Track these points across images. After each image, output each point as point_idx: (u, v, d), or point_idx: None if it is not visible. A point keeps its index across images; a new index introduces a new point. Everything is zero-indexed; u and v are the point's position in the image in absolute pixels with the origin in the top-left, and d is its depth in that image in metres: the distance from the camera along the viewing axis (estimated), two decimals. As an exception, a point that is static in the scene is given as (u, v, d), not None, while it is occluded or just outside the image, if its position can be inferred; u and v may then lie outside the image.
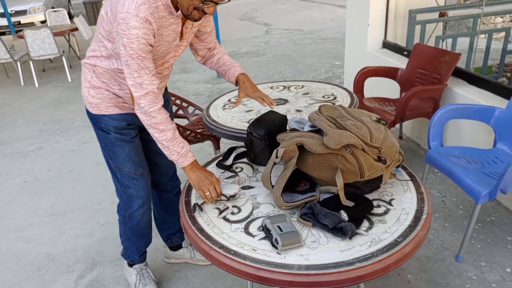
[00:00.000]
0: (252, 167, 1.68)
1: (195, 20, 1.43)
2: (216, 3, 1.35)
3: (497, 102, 2.30)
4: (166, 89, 1.82)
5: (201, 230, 1.32)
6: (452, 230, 2.11)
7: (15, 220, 2.53)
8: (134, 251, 1.87)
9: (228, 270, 1.21)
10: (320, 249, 1.21)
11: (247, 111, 2.27)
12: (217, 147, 2.46)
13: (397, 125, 3.23)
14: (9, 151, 3.55)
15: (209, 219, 1.37)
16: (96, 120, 1.63)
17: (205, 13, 1.38)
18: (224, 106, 2.39)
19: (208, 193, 1.44)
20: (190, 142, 2.43)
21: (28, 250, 2.24)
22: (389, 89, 3.18)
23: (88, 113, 1.65)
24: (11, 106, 4.80)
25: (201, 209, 1.41)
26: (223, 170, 1.67)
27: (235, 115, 2.23)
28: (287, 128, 1.66)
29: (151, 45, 1.37)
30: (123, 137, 1.65)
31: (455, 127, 2.58)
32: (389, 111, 2.70)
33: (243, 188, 1.53)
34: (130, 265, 1.90)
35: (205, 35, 1.70)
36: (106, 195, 2.71)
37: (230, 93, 2.61)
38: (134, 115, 1.59)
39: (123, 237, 1.85)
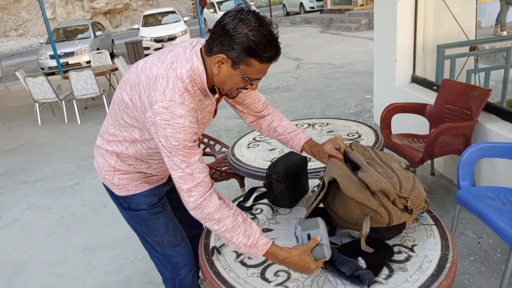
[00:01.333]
0: (272, 208, 1.69)
1: (233, 98, 1.36)
2: (260, 78, 1.25)
3: (533, 138, 2.20)
4: None
5: (217, 274, 1.33)
6: (489, 275, 1.99)
7: (50, 255, 2.64)
8: None
9: (243, 317, 1.20)
10: (338, 299, 1.18)
11: (270, 150, 2.30)
12: (241, 185, 2.49)
13: (429, 161, 3.14)
14: (50, 186, 3.76)
15: (227, 263, 1.38)
16: (122, 201, 1.51)
17: (246, 89, 1.29)
18: (248, 145, 2.44)
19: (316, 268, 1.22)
20: (216, 180, 2.48)
21: (59, 285, 2.32)
22: (418, 125, 3.12)
23: (112, 194, 1.52)
24: (54, 143, 5.11)
25: (219, 253, 1.42)
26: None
27: (258, 154, 2.27)
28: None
29: (195, 133, 1.23)
30: (156, 210, 1.55)
31: (490, 165, 2.48)
32: (418, 148, 2.64)
33: (263, 230, 1.54)
34: None
35: (245, 103, 1.58)
36: (136, 231, 2.79)
37: (255, 132, 2.66)
38: (163, 187, 1.55)
39: None
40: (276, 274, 1.30)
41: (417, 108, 2.90)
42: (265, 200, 1.75)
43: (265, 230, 1.54)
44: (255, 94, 1.58)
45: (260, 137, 2.53)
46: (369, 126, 2.42)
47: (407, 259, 1.31)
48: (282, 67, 8.09)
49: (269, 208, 1.69)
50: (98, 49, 10.89)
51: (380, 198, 1.28)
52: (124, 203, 1.52)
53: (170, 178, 1.60)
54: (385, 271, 1.26)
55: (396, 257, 1.32)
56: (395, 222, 1.32)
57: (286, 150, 2.23)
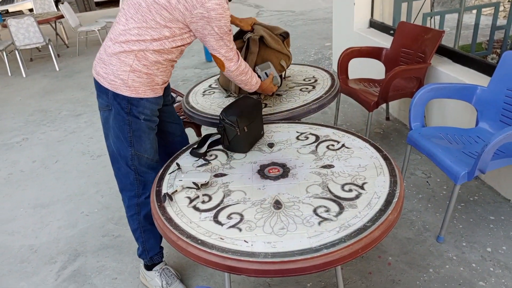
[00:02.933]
0: (227, 154, 1.66)
1: None
2: None
3: (481, 80, 2.26)
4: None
5: (169, 220, 1.31)
6: (435, 211, 2.10)
7: (-1, 213, 2.52)
8: (153, 242, 1.80)
9: (195, 260, 1.20)
10: (287, 236, 1.19)
11: (226, 97, 2.23)
12: (198, 134, 2.43)
13: (384, 106, 3.20)
14: (-5, 143, 3.53)
15: (179, 209, 1.36)
16: (127, 105, 1.60)
17: None
18: (204, 92, 2.35)
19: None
20: (171, 129, 2.40)
21: (11, 242, 2.24)
22: (375, 70, 3.13)
23: (117, 99, 1.59)
24: (-3, 97, 4.75)
25: (171, 199, 1.39)
26: (196, 158, 1.64)
27: (214, 101, 2.19)
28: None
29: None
30: (151, 124, 1.68)
31: (439, 107, 2.55)
32: (373, 92, 2.66)
33: (216, 176, 1.51)
34: (149, 268, 1.83)
35: None
36: (90, 185, 2.70)
37: (211, 79, 2.56)
38: (161, 99, 1.71)
39: (138, 232, 1.78)
40: (229, 216, 1.29)
41: (374, 52, 2.89)
42: (220, 146, 1.72)
43: (219, 175, 1.51)
44: None
45: (216, 84, 2.45)
46: (326, 71, 2.39)
47: (357, 196, 1.33)
48: (241, 14, 7.78)
49: (224, 154, 1.66)
50: (40, -5, 9.95)
51: (286, 47, 2.10)
52: (127, 108, 1.62)
53: (165, 92, 1.77)
54: (335, 208, 1.29)
55: (347, 195, 1.34)
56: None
57: (242, 96, 2.18)
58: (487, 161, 1.66)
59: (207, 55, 5.13)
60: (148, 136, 1.67)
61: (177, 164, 1.59)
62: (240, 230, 1.24)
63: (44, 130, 3.68)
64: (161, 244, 1.87)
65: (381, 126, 3.04)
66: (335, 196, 1.35)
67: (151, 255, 1.81)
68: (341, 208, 1.29)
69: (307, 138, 1.73)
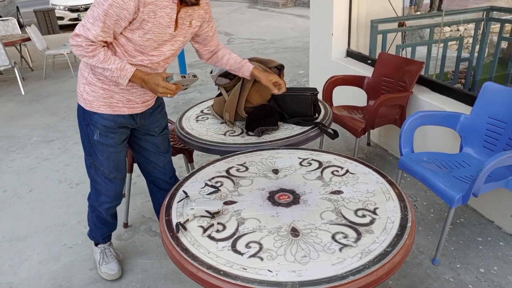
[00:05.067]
0: (233, 181, 1.64)
1: (193, 4, 1.57)
2: None
3: (459, 107, 2.41)
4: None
5: (186, 250, 1.26)
6: (426, 233, 2.17)
7: (-32, 248, 2.31)
8: (99, 234, 2.04)
9: (218, 292, 1.16)
10: (311, 264, 1.18)
11: (221, 123, 2.23)
12: (190, 160, 2.39)
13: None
14: (-42, 171, 3.27)
15: (194, 239, 1.31)
16: (86, 116, 1.69)
17: None
18: (197, 117, 2.33)
19: (164, 90, 1.53)
20: (162, 156, 2.34)
21: (-14, 280, 2.05)
22: (355, 97, 3.25)
23: (79, 109, 1.71)
24: (-43, 122, 4.44)
25: (185, 229, 1.34)
26: (203, 186, 1.61)
27: (209, 127, 2.18)
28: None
29: (127, 11, 1.43)
30: (107, 141, 1.71)
31: (421, 133, 2.68)
32: (358, 118, 2.75)
33: (226, 203, 1.49)
34: (96, 244, 2.07)
35: (208, 39, 1.82)
36: (71, 215, 2.55)
37: (202, 104, 2.55)
38: (124, 118, 1.70)
39: (90, 221, 2.01)
40: (247, 245, 1.27)
41: (356, 80, 3.01)
42: (224, 173, 1.69)
43: (229, 203, 1.49)
44: (215, 28, 1.85)
45: (207, 110, 2.44)
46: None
47: (372, 222, 1.35)
48: (212, 41, 7.89)
49: (229, 181, 1.64)
50: (0, 16, 9.60)
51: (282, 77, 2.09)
52: (84, 118, 1.70)
53: (141, 116, 1.77)
54: (353, 234, 1.30)
55: (361, 220, 1.36)
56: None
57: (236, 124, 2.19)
58: (480, 185, 1.75)
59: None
60: (102, 154, 1.74)
61: (184, 192, 1.55)
62: (262, 259, 1.21)
63: (14, 157, 3.47)
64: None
65: (364, 152, 3.13)
66: (350, 222, 1.36)
67: (96, 240, 2.06)
68: (359, 234, 1.30)
69: (310, 164, 1.75)
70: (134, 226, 2.39)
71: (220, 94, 2.29)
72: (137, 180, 2.90)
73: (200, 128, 2.18)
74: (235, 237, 1.31)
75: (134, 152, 1.96)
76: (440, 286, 1.81)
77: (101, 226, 2.00)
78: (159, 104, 1.89)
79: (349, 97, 3.33)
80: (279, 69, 2.20)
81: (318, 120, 2.16)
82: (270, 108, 2.14)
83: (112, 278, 2.00)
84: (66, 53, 5.90)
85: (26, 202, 2.75)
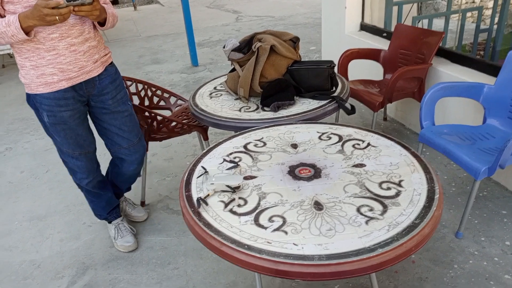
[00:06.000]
0: (251, 157, 1.60)
1: None
2: None
3: (480, 78, 2.32)
4: (116, 69, 1.86)
5: (208, 225, 1.24)
6: (448, 207, 2.13)
7: (-10, 228, 2.35)
8: (100, 210, 2.06)
9: (243, 266, 1.14)
10: (337, 237, 1.16)
11: (236, 99, 2.18)
12: (205, 137, 2.37)
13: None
14: (-25, 154, 3.30)
15: (215, 213, 1.29)
16: (31, 100, 1.68)
17: None
18: (210, 94, 2.29)
19: (52, 17, 1.43)
20: (177, 134, 2.32)
21: (10, 258, 2.08)
22: (371, 71, 3.17)
23: (26, 96, 1.69)
24: (-29, 106, 4.47)
25: (206, 204, 1.32)
26: (221, 161, 1.58)
27: (224, 104, 2.14)
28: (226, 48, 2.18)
29: None
30: (56, 121, 1.69)
31: (441, 106, 2.60)
32: (375, 92, 2.68)
33: (245, 178, 1.46)
34: (109, 221, 2.10)
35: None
36: (88, 194, 2.56)
37: (214, 81, 2.51)
38: (66, 92, 1.66)
39: (87, 200, 2.05)
40: (270, 219, 1.25)
41: (372, 54, 2.92)
42: (242, 148, 1.66)
43: (249, 178, 1.46)
44: None
45: (221, 86, 2.39)
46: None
47: (397, 194, 1.32)
48: (220, 20, 7.76)
49: (248, 156, 1.61)
50: None
51: (297, 50, 2.13)
52: (33, 104, 1.68)
53: (87, 85, 1.72)
54: (379, 207, 1.27)
55: (386, 193, 1.33)
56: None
57: (252, 102, 2.14)
58: (507, 156, 1.70)
59: (193, 59, 5.05)
60: (58, 134, 1.74)
61: (203, 168, 1.52)
62: (286, 233, 1.19)
63: (28, 139, 3.48)
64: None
65: (380, 127, 3.07)
66: (375, 194, 1.33)
67: (103, 217, 2.09)
68: (384, 206, 1.27)
69: (330, 138, 1.71)
70: (152, 204, 2.39)
71: (233, 70, 2.24)
72: (151, 159, 2.90)
73: (215, 104, 2.14)
74: (257, 211, 1.29)
75: (99, 132, 1.92)
76: (464, 259, 1.78)
77: (96, 200, 2.01)
78: (110, 74, 1.80)
79: (364, 71, 3.25)
80: (294, 42, 2.13)
81: (335, 94, 2.10)
82: (286, 82, 2.08)
83: (129, 250, 2.02)
84: None
85: (44, 182, 2.77)
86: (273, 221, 1.24)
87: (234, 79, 2.18)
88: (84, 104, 1.77)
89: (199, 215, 1.29)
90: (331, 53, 3.97)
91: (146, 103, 2.57)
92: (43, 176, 2.85)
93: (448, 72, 2.50)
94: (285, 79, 2.10)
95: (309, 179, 1.44)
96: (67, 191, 2.61)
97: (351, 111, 2.03)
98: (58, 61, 1.60)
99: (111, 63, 1.85)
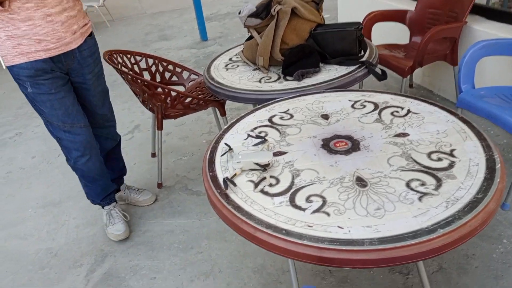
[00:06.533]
0: (279, 130, 1.45)
1: None
2: None
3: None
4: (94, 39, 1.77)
5: (238, 208, 1.10)
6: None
7: (4, 216, 2.26)
8: (94, 195, 1.95)
9: (282, 254, 1.00)
10: (388, 217, 1.01)
11: (254, 70, 2.01)
12: (222, 113, 2.21)
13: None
14: (-15, 140, 3.21)
15: (245, 195, 1.15)
16: (13, 75, 1.59)
17: None
18: (226, 66, 2.12)
19: None
20: (193, 110, 2.17)
21: (25, 247, 1.99)
22: (395, 34, 2.94)
23: (9, 70, 1.59)
24: (-22, 92, 4.38)
25: (234, 184, 1.18)
26: (245, 137, 1.43)
27: (242, 75, 1.97)
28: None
29: None
30: (40, 91, 1.60)
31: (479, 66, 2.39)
32: (403, 57, 2.48)
33: (275, 154, 1.31)
34: (102, 206, 1.99)
35: None
36: (102, 178, 2.45)
37: (229, 52, 2.33)
38: (45, 63, 1.57)
39: (81, 184, 1.93)
40: (308, 199, 1.10)
41: (397, 15, 2.70)
42: (267, 122, 1.51)
43: (278, 154, 1.31)
44: None
45: (236, 57, 2.22)
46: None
47: (451, 165, 1.15)
48: (226, 1, 7.45)
49: (274, 130, 1.45)
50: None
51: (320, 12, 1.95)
52: (14, 77, 1.59)
53: (66, 58, 1.63)
54: (431, 180, 1.11)
55: (438, 164, 1.16)
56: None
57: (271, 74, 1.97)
58: None
59: (202, 33, 4.84)
60: (44, 104, 1.63)
61: (227, 145, 1.37)
62: (328, 214, 1.04)
63: (38, 122, 3.37)
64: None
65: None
66: (425, 167, 1.16)
67: (95, 202, 1.98)
68: (438, 180, 1.11)
69: (364, 106, 1.54)
70: (169, 186, 2.27)
71: (250, 38, 2.06)
72: (166, 138, 2.77)
73: (232, 76, 1.97)
74: (292, 190, 1.14)
75: None
76: (513, 233, 1.63)
77: (91, 185, 1.90)
78: (90, 47, 1.72)
79: (388, 35, 3.02)
80: (317, 3, 1.93)
81: (364, 59, 1.91)
82: (309, 48, 1.90)
83: (118, 239, 1.92)
84: (97, 6, 5.68)
85: (56, 167, 2.67)
86: (311, 202, 1.09)
87: (252, 47, 2.00)
88: (65, 76, 1.67)
89: (227, 197, 1.15)
90: (349, 18, 3.73)
91: (158, 79, 2.41)
92: (55, 160, 2.74)
93: (485, 30, 2.28)
94: (308, 45, 1.91)
95: (346, 152, 1.28)
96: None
97: (383, 76, 1.84)
98: (34, 31, 1.51)
99: (91, 34, 1.74)
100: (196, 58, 4.34)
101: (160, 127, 2.14)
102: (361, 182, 1.14)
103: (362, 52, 1.95)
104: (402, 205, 1.04)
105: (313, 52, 1.90)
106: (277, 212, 1.07)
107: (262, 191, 1.16)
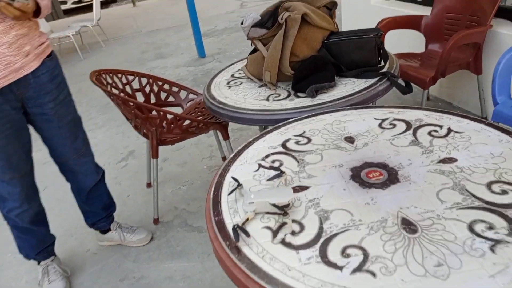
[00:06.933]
0: (295, 158, 1.20)
1: None
2: None
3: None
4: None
5: (254, 268, 0.85)
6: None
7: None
8: (28, 249, 1.68)
9: (317, 334, 0.75)
10: (455, 278, 0.75)
11: (260, 87, 1.78)
12: (225, 136, 1.97)
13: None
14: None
15: (262, 248, 0.90)
16: None
17: None
18: (228, 83, 1.89)
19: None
20: (192, 134, 1.92)
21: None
22: (408, 42, 2.73)
23: None
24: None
25: (247, 234, 0.92)
26: (256, 168, 1.18)
27: (246, 93, 1.74)
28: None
29: None
30: None
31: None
32: (423, 67, 2.25)
33: (294, 190, 1.06)
34: (38, 262, 1.74)
35: None
36: (93, 212, 2.19)
37: (230, 68, 2.10)
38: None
39: (12, 233, 1.66)
40: (344, 253, 0.85)
41: (411, 22, 2.49)
42: (280, 148, 1.26)
43: (299, 189, 1.06)
44: None
45: (239, 73, 1.99)
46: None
47: (523, 200, 0.91)
48: (224, 7, 7.32)
49: (290, 158, 1.21)
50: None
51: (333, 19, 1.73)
52: None
53: (17, 85, 1.35)
54: (500, 222, 0.86)
55: (504, 199, 0.92)
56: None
57: (280, 95, 1.74)
58: None
59: (199, 50, 4.65)
60: None
61: (235, 179, 1.12)
62: (374, 275, 0.79)
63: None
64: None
65: (424, 108, 2.64)
66: (487, 202, 0.92)
67: (30, 257, 1.71)
68: (509, 220, 0.86)
69: (394, 125, 1.29)
70: (167, 221, 2.01)
71: (254, 51, 1.84)
72: (162, 166, 2.52)
73: (235, 95, 1.74)
74: (322, 240, 0.89)
75: (42, 139, 1.59)
76: None
77: (25, 237, 1.64)
78: (49, 70, 1.44)
79: (400, 43, 2.81)
80: (330, 9, 1.71)
81: (384, 70, 1.69)
82: (322, 60, 1.67)
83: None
84: (72, 35, 5.49)
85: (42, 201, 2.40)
86: (349, 256, 0.84)
87: (257, 61, 1.77)
88: (18, 111, 1.38)
89: (238, 251, 0.90)
90: (355, 27, 3.53)
91: (153, 100, 2.18)
92: (40, 194, 2.48)
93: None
94: (321, 56, 1.69)
95: (383, 185, 1.03)
96: (68, 212, 2.25)
97: (407, 89, 1.61)
98: None
99: (50, 54, 1.45)
100: (194, 76, 4.13)
101: (155, 155, 1.90)
102: (408, 226, 0.89)
103: (382, 63, 1.72)
104: (470, 259, 0.79)
105: (327, 64, 1.67)
106: (306, 273, 0.82)
107: (283, 241, 0.91)
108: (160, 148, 1.93)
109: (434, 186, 0.99)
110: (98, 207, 1.80)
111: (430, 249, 0.82)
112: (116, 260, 1.82)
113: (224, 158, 2.45)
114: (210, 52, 4.76)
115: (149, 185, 2.32)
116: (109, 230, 1.87)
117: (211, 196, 1.09)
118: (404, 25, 2.50)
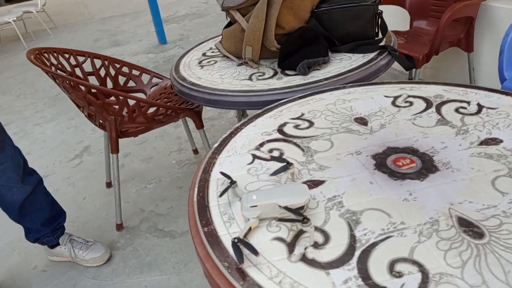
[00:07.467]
0: (299, 146, 0.95)
1: None
2: None
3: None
4: None
5: (270, 301, 0.59)
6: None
7: None
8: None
9: None
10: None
11: (238, 65, 1.51)
12: (199, 125, 1.68)
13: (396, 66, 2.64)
14: None
15: (277, 270, 0.64)
16: None
17: None
18: (200, 63, 1.60)
19: None
20: (158, 123, 1.62)
21: None
22: (390, 20, 2.55)
23: None
24: None
25: (255, 251, 0.66)
26: (250, 160, 0.92)
27: (223, 72, 1.47)
28: None
29: None
30: None
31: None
32: (415, 44, 2.08)
33: (309, 185, 0.81)
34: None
35: None
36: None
37: (201, 46, 1.82)
38: None
39: None
40: (394, 272, 0.61)
41: (395, -2, 2.30)
42: (277, 134, 1.01)
43: (311, 185, 0.81)
44: None
45: (212, 52, 1.71)
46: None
47: None
48: None
49: (293, 146, 0.95)
50: None
51: None
52: None
53: None
54: None
55: None
56: None
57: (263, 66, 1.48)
58: None
59: (160, 36, 4.28)
60: None
61: (226, 176, 0.85)
62: (444, 302, 0.56)
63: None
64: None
65: (408, 91, 2.48)
66: (561, 193, 0.71)
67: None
68: None
69: (411, 103, 1.08)
70: (132, 226, 1.70)
71: (230, 24, 1.56)
72: (124, 162, 2.19)
73: (210, 75, 1.46)
74: (357, 253, 0.65)
75: None
76: None
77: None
78: None
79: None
80: None
81: (383, 43, 1.48)
82: (313, 32, 1.43)
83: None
84: (13, 20, 4.91)
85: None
86: (401, 274, 0.60)
87: (235, 36, 1.50)
88: None
89: (243, 276, 0.64)
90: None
91: (110, 85, 1.85)
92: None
93: (508, 7, 1.91)
94: (311, 28, 1.44)
95: (419, 175, 0.80)
96: (10, 223, 1.87)
97: (411, 63, 1.41)
98: None
99: None
100: (155, 63, 3.77)
101: (115, 149, 1.58)
102: (469, 228, 0.67)
103: (380, 35, 1.50)
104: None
105: (318, 37, 1.43)
106: (346, 305, 0.57)
107: (304, 258, 0.65)
108: (121, 141, 1.62)
109: (485, 174, 0.78)
110: (37, 224, 1.46)
111: (508, 259, 0.60)
112: (70, 278, 1.49)
113: (195, 151, 2.16)
114: (171, 39, 4.40)
115: (109, 184, 1.99)
116: (57, 244, 1.53)
117: (195, 199, 0.82)
118: (388, 1, 2.31)
